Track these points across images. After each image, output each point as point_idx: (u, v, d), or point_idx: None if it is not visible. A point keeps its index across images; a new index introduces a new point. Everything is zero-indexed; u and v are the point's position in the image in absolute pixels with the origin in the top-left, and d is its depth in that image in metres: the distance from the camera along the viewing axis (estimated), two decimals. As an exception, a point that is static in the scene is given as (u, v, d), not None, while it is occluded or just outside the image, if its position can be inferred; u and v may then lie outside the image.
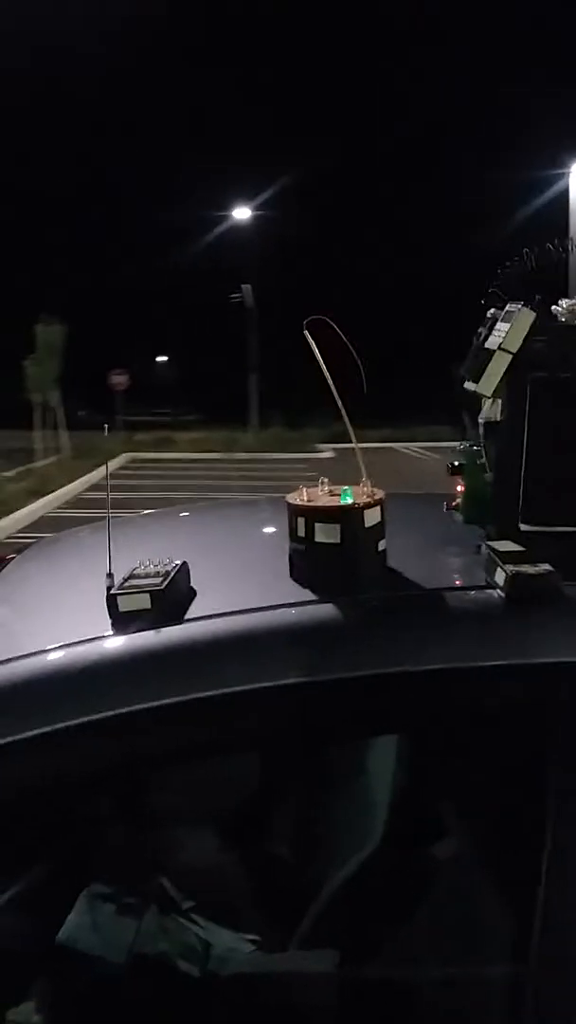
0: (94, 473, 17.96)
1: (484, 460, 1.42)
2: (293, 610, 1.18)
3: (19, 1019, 1.31)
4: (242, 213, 34.97)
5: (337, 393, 1.25)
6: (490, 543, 1.27)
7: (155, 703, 1.09)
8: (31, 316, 20.68)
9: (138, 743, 1.12)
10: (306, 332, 1.21)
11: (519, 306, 1.31)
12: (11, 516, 12.42)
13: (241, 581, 1.36)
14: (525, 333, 1.29)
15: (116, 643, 1.16)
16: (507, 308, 1.33)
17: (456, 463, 1.45)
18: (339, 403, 1.24)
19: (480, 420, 1.44)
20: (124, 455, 23.72)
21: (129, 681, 1.11)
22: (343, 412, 1.27)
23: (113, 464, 22.22)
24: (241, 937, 1.48)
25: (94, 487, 17.08)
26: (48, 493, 14.96)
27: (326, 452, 24.37)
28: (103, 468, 17.75)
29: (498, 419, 1.39)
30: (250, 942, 1.47)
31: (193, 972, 1.42)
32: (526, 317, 1.29)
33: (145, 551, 1.32)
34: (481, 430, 1.44)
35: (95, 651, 1.15)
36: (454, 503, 1.48)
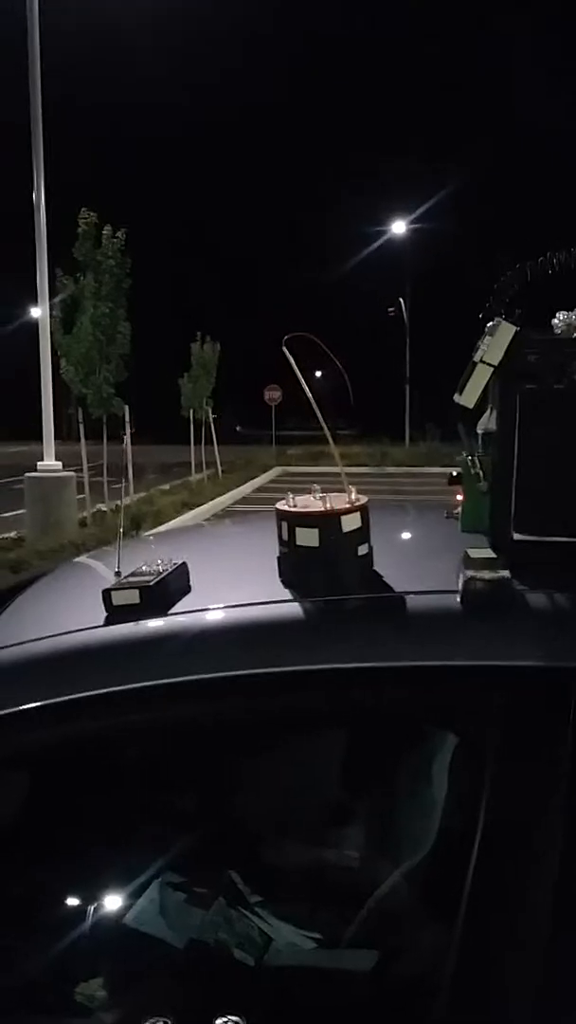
0: (244, 486, 18.45)
1: (479, 470, 1.45)
2: (256, 608, 1.27)
3: (86, 992, 1.42)
4: (399, 227, 35.02)
5: (317, 407, 1.31)
6: (467, 550, 1.31)
7: (132, 685, 1.20)
8: (188, 335, 21.52)
9: (106, 723, 1.24)
10: (284, 349, 1.28)
11: (500, 320, 1.34)
12: (163, 527, 12.99)
13: (241, 582, 1.45)
14: (506, 346, 1.32)
15: (99, 633, 1.29)
16: (491, 322, 1.36)
17: (455, 473, 1.49)
18: (319, 416, 1.31)
19: (478, 431, 1.47)
20: (276, 468, 24.23)
21: (106, 666, 1.23)
22: (323, 424, 1.34)
23: (266, 477, 22.74)
24: (302, 933, 1.54)
25: (243, 500, 17.55)
26: (198, 505, 15.52)
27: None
28: (253, 482, 18.21)
29: (493, 430, 1.41)
30: (311, 939, 1.53)
31: (248, 961, 1.49)
32: (506, 331, 1.32)
33: (160, 556, 1.44)
34: (479, 440, 1.47)
35: (84, 639, 1.28)
36: (455, 511, 1.51)
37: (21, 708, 1.22)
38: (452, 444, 28.36)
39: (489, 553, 1.30)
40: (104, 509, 14.09)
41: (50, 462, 12.36)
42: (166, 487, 17.50)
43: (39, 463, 12.37)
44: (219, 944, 1.52)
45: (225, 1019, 1.32)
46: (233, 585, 1.42)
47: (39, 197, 12.50)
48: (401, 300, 31.98)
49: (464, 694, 1.19)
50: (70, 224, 13.43)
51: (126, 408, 14.62)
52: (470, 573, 1.21)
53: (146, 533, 12.38)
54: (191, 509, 15.13)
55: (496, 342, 1.32)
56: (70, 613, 1.42)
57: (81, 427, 14.01)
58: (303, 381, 1.31)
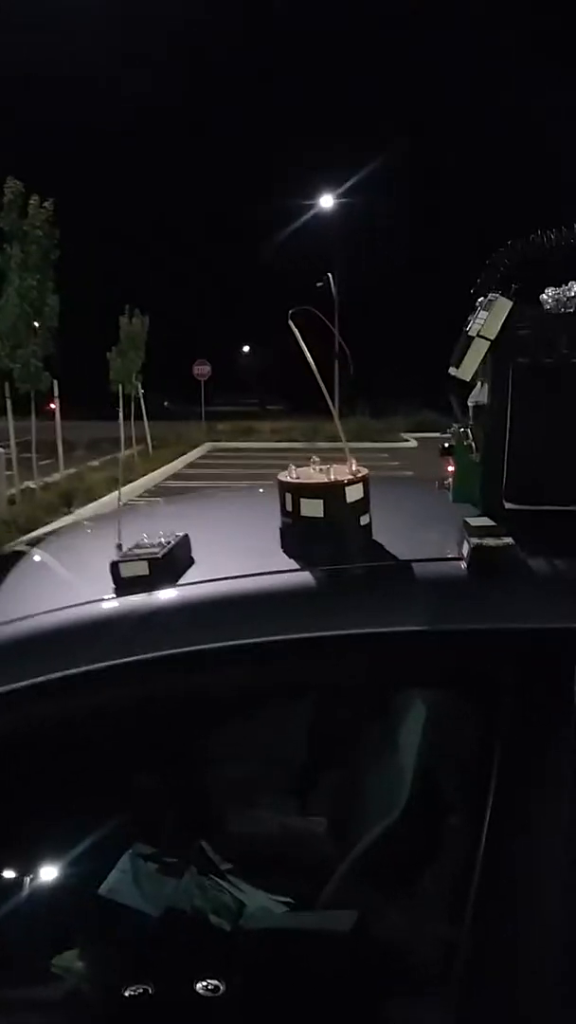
0: (175, 462, 18.33)
1: (471, 441, 1.49)
2: (267, 577, 1.29)
3: (63, 964, 1.44)
4: (326, 201, 34.97)
5: (323, 383, 1.33)
6: (466, 518, 1.35)
7: (149, 655, 1.21)
8: (115, 308, 21.14)
9: (120, 694, 1.25)
10: (291, 323, 1.29)
11: (497, 295, 1.37)
12: (92, 504, 12.83)
13: (240, 553, 1.47)
14: (502, 321, 1.36)
15: (114, 604, 1.29)
16: (488, 297, 1.40)
17: (447, 444, 1.53)
18: (323, 390, 1.33)
19: (469, 404, 1.51)
20: (206, 444, 24.12)
21: (120, 637, 1.24)
22: (328, 400, 1.36)
23: (195, 453, 22.62)
24: (274, 898, 1.57)
25: (175, 476, 17.44)
26: (129, 482, 15.35)
27: (410, 442, 24.21)
28: (184, 457, 18.04)
29: (485, 402, 1.46)
30: (282, 903, 1.56)
31: (224, 927, 1.52)
32: (503, 306, 1.36)
33: (157, 527, 1.44)
34: (470, 413, 1.51)
35: (95, 610, 1.29)
36: (446, 482, 1.55)
37: (33, 682, 1.21)
38: (382, 420, 28.66)
39: (488, 521, 1.34)
40: (33, 486, 13.84)
41: (-22, 438, 12.07)
42: (96, 463, 17.26)
43: (-35, 440, 12.08)
44: (194, 911, 1.55)
45: (205, 982, 1.35)
46: (233, 556, 1.43)
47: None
48: (329, 275, 31.97)
49: (473, 657, 1.23)
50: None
51: (54, 382, 14.35)
52: (475, 540, 1.25)
53: (80, 511, 12.23)
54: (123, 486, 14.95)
55: (493, 316, 1.36)
56: (74, 585, 1.42)
57: (8, 402, 13.69)
58: (309, 356, 1.32)
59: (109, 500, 13.43)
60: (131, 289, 24.77)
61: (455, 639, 1.21)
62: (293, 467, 1.39)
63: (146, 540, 1.39)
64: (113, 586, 1.31)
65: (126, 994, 1.35)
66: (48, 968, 1.42)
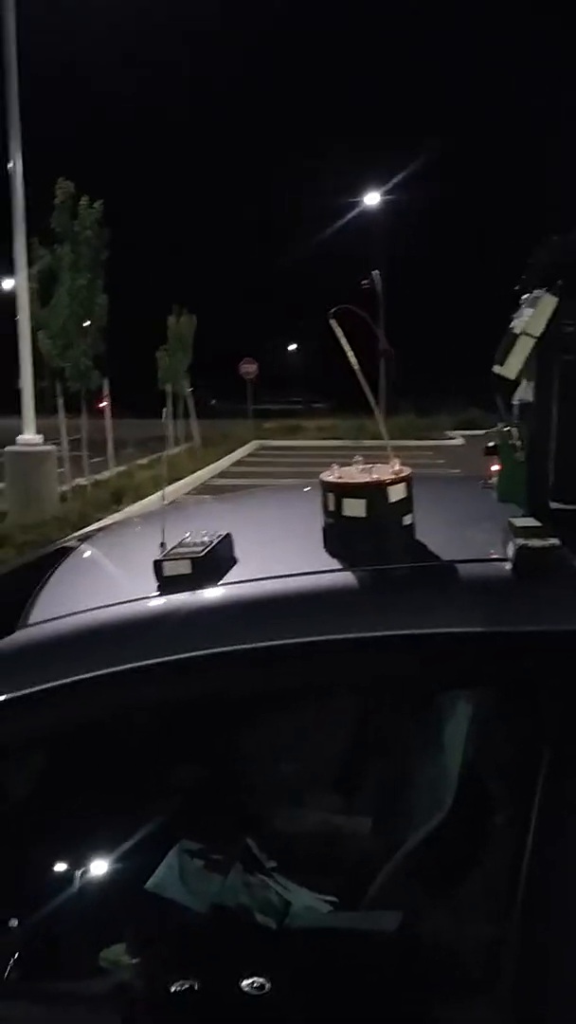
0: (222, 461, 18.40)
1: (516, 440, 1.47)
2: (308, 577, 1.29)
3: (110, 957, 1.45)
4: (372, 199, 34.80)
5: (365, 382, 1.33)
6: (511, 518, 1.34)
7: (191, 653, 1.22)
8: (163, 308, 21.30)
9: (159, 692, 1.26)
10: (332, 322, 1.29)
11: (543, 292, 1.36)
12: (141, 502, 12.94)
13: (283, 553, 1.47)
14: (547, 318, 1.34)
15: (159, 602, 1.30)
16: (533, 294, 1.38)
17: (492, 444, 1.51)
18: (367, 392, 1.32)
19: (515, 402, 1.50)
20: (253, 442, 24.18)
21: (168, 634, 1.25)
22: (370, 399, 1.35)
23: (243, 451, 22.71)
24: (319, 897, 1.57)
25: (222, 474, 17.52)
26: (177, 480, 15.47)
27: (456, 439, 24.01)
28: (231, 456, 18.12)
29: (530, 401, 1.44)
30: (328, 903, 1.56)
31: (270, 925, 1.52)
32: (548, 302, 1.34)
33: (202, 525, 1.45)
34: (516, 411, 1.49)
35: (140, 608, 1.30)
36: (490, 481, 1.54)
37: (81, 677, 1.23)
38: (428, 417, 28.47)
39: (533, 522, 1.32)
40: (84, 483, 14.01)
41: (30, 436, 12.24)
42: (144, 461, 17.43)
43: (19, 437, 12.26)
44: (240, 908, 1.55)
45: (251, 980, 1.35)
46: (276, 556, 1.44)
47: (16, 167, 12.29)
48: (375, 273, 31.81)
49: (517, 659, 1.22)
50: (47, 195, 13.20)
51: (104, 381, 14.50)
52: (520, 541, 1.24)
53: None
54: (170, 483, 15.07)
55: (538, 313, 1.34)
56: (119, 583, 1.44)
57: (59, 400, 13.88)
58: (351, 355, 1.32)
59: (156, 498, 13.55)
60: (179, 289, 24.93)
61: (499, 640, 1.20)
62: (336, 466, 1.39)
63: (189, 539, 1.40)
64: (157, 584, 1.32)
65: (172, 989, 1.36)
66: (96, 962, 1.44)
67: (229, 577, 1.34)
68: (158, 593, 1.31)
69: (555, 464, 1.39)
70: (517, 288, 1.45)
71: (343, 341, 1.32)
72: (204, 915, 1.55)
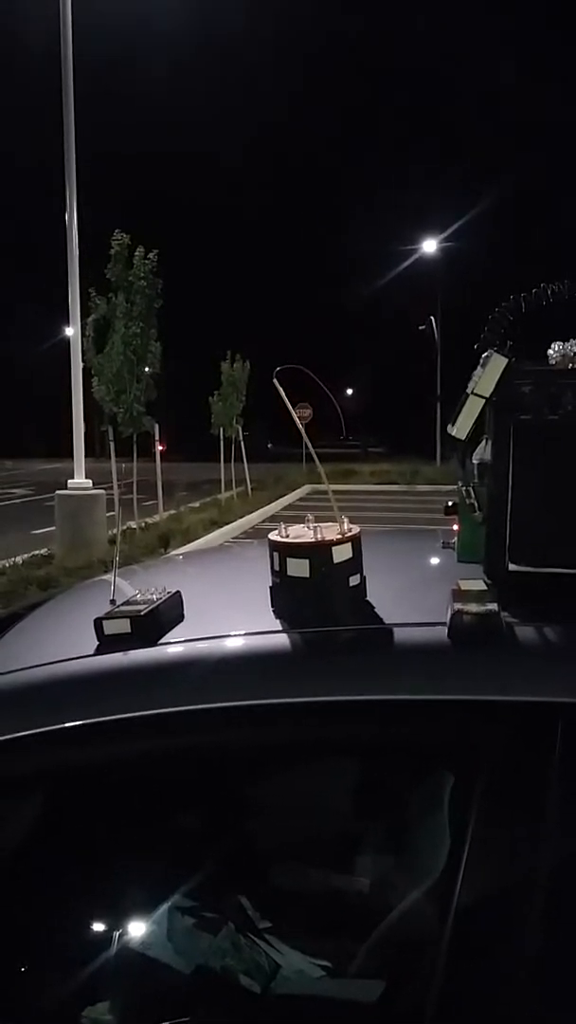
0: (272, 505, 18.47)
1: (473, 500, 1.44)
2: (241, 639, 1.27)
3: (93, 1016, 1.43)
4: (429, 246, 35.07)
5: (306, 435, 1.32)
6: (459, 580, 1.31)
7: (113, 717, 1.21)
8: (219, 354, 21.65)
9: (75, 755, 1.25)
10: (275, 381, 1.29)
11: (492, 352, 1.34)
12: (190, 545, 13.04)
13: (235, 611, 1.46)
14: (497, 378, 1.32)
15: (86, 663, 1.30)
16: (484, 354, 1.36)
17: (451, 503, 1.49)
18: (308, 446, 1.31)
19: (474, 461, 1.47)
20: (306, 486, 24.24)
21: (96, 694, 1.24)
22: (312, 454, 1.34)
23: (295, 495, 22.78)
24: (311, 961, 1.52)
25: (271, 518, 17.57)
26: (226, 524, 15.57)
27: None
28: (283, 500, 18.17)
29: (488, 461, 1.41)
30: (320, 967, 1.51)
31: (254, 988, 1.49)
32: (497, 363, 1.32)
33: (164, 582, 1.45)
34: (475, 471, 1.47)
35: (73, 668, 1.29)
36: (451, 540, 1.51)
37: (16, 735, 1.23)
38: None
39: (480, 585, 1.29)
40: (134, 527, 14.18)
41: (80, 479, 12.48)
42: (195, 504, 17.61)
43: (69, 480, 12.50)
44: (225, 970, 1.51)
45: None
46: (226, 615, 1.42)
47: (71, 218, 12.70)
48: (432, 318, 31.90)
49: (453, 728, 1.18)
50: (103, 246, 13.60)
51: (156, 426, 14.72)
52: (457, 606, 1.20)
53: (175, 552, 12.47)
54: (220, 527, 15.18)
55: (488, 374, 1.32)
56: (68, 640, 1.44)
57: (111, 445, 14.13)
58: (294, 412, 1.32)
59: (205, 542, 13.64)
60: (235, 335, 25.34)
61: (432, 709, 1.16)
62: (284, 526, 1.38)
63: (138, 596, 1.39)
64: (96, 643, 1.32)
65: None
66: (78, 1020, 1.41)
67: (170, 636, 1.33)
68: (93, 653, 1.31)
69: (511, 525, 1.35)
70: (476, 347, 1.43)
71: (285, 400, 1.32)
72: (188, 975, 1.51)
